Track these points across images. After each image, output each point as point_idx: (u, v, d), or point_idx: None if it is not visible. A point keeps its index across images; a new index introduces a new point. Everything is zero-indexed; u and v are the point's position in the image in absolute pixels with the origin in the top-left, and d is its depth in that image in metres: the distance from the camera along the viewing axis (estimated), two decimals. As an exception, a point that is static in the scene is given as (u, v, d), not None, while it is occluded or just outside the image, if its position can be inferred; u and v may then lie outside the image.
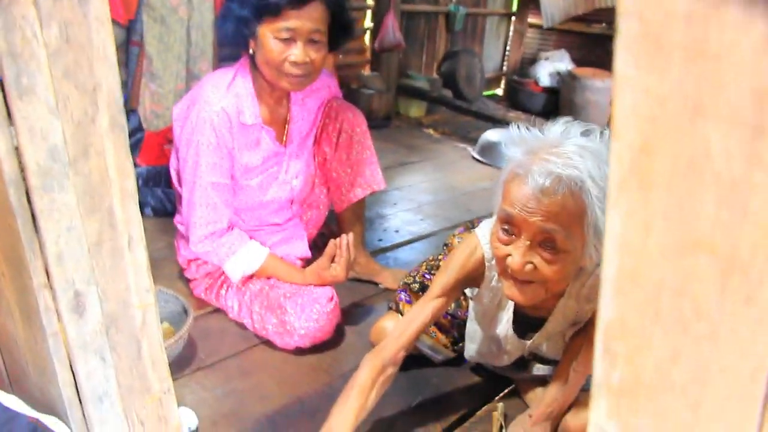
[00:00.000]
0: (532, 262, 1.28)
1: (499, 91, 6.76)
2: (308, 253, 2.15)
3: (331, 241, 1.91)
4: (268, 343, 1.92)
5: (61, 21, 0.82)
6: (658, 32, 0.36)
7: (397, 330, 1.51)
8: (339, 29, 1.89)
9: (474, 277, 1.54)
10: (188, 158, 1.84)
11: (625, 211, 0.42)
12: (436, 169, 3.98)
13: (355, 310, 2.16)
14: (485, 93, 6.27)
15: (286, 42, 1.78)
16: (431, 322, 1.53)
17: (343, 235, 1.91)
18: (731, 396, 0.42)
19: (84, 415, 1.00)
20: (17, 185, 0.84)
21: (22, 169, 0.84)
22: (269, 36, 1.78)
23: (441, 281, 1.51)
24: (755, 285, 0.38)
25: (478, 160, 4.19)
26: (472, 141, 4.55)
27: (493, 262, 1.49)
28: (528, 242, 1.27)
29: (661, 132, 0.38)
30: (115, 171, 0.93)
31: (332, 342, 1.93)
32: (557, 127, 1.29)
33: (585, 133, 1.28)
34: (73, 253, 0.90)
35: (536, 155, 1.24)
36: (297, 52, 1.79)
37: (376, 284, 2.31)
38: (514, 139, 1.32)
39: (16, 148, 0.83)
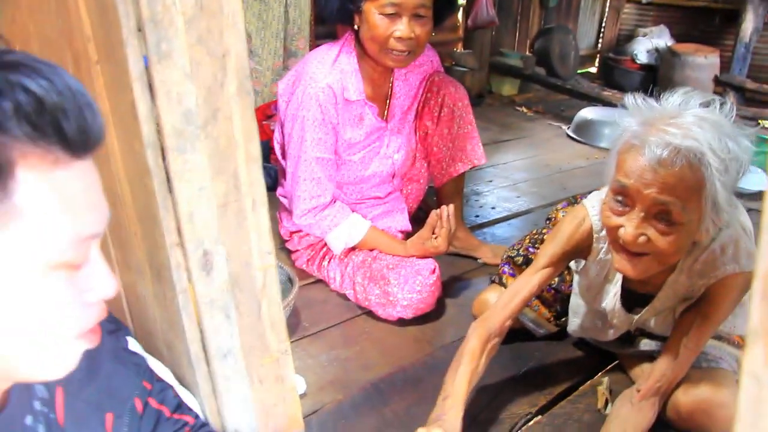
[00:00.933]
0: (645, 234, 1.25)
1: (594, 69, 6.56)
2: (409, 226, 2.18)
3: (433, 212, 1.93)
4: (369, 314, 1.97)
5: (196, -10, 0.86)
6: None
7: (502, 300, 1.51)
8: (444, 3, 1.89)
9: (581, 248, 1.52)
10: (293, 133, 1.89)
11: None
12: (530, 147, 3.92)
13: (455, 283, 2.18)
14: (579, 71, 6.10)
15: (391, 17, 1.79)
16: (537, 293, 1.54)
17: (444, 207, 1.92)
18: None
19: (209, 370, 1.06)
20: (154, 146, 0.89)
21: (158, 132, 0.89)
22: (374, 11, 1.79)
23: (547, 252, 1.51)
24: None
25: (573, 139, 4.10)
26: (566, 119, 4.46)
27: (602, 234, 1.47)
28: (642, 214, 1.24)
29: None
30: (241, 134, 0.97)
31: (433, 314, 1.96)
32: (675, 98, 1.26)
33: (705, 104, 1.24)
34: (203, 213, 0.95)
35: (653, 126, 1.22)
36: (402, 27, 1.80)
37: (476, 259, 2.31)
38: (630, 109, 1.29)
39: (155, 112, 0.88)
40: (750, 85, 5.17)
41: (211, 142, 0.94)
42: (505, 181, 3.23)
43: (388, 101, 2.06)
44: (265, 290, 1.08)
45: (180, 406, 0.99)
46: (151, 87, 0.87)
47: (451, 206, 1.94)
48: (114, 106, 0.94)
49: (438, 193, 2.30)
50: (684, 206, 1.20)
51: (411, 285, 1.86)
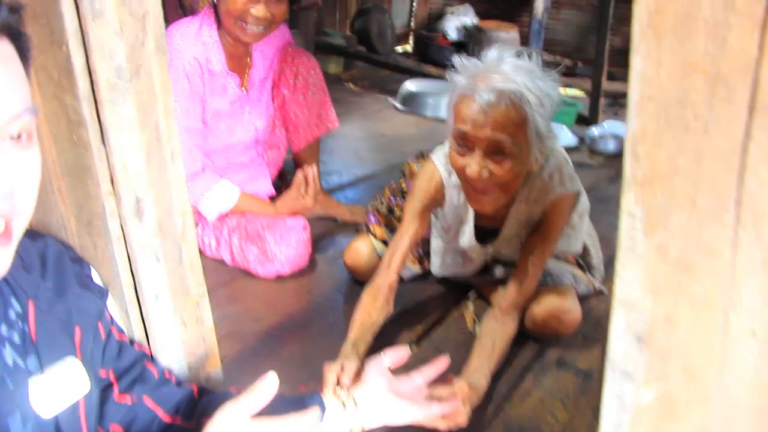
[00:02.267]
0: (487, 168, 1.49)
1: (409, 47, 6.94)
2: (272, 191, 2.30)
3: (299, 172, 2.07)
4: (248, 275, 2.07)
5: (118, -46, 0.93)
6: None
7: (384, 261, 1.73)
8: None
9: (436, 198, 1.76)
10: None
11: (643, 53, 0.60)
12: (363, 118, 4.14)
13: (321, 241, 2.33)
14: (396, 49, 6.44)
15: None
16: (412, 247, 1.76)
17: (307, 167, 2.06)
18: (718, 169, 0.62)
19: (141, 313, 1.13)
20: (89, 100, 0.96)
21: (92, 86, 0.96)
22: None
23: (410, 208, 1.74)
24: (732, 90, 0.58)
25: (400, 110, 4.38)
26: (392, 92, 4.73)
27: (452, 182, 1.71)
28: (481, 152, 1.48)
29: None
30: (160, 89, 1.06)
31: (308, 270, 2.11)
32: (493, 53, 1.51)
33: (516, 55, 1.50)
34: (133, 163, 1.03)
35: (479, 77, 1.46)
36: (260, 7, 1.90)
37: (335, 220, 2.47)
38: (458, 67, 1.52)
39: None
40: (546, 56, 5.76)
41: (137, 96, 1.02)
42: (347, 151, 3.42)
43: (247, 72, 2.15)
44: (184, 235, 1.17)
45: (134, 340, 1.07)
46: (84, 44, 0.93)
47: (314, 166, 2.09)
48: (40, 63, 0.98)
49: (295, 158, 2.44)
50: (514, 140, 1.46)
51: (287, 241, 2.00)
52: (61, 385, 0.85)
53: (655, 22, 0.58)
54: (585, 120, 4.08)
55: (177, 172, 1.12)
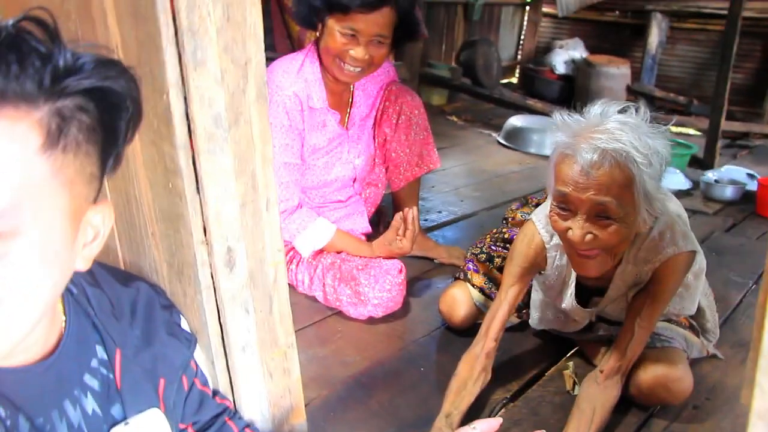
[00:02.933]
0: (591, 233, 1.39)
1: (515, 80, 6.84)
2: (369, 229, 2.27)
3: (398, 215, 2.02)
4: (339, 314, 2.04)
5: (224, 2, 0.92)
6: None
7: (483, 327, 1.65)
8: (405, 32, 1.99)
9: (537, 262, 1.67)
10: None
11: None
12: (465, 153, 4.08)
13: (417, 283, 2.27)
14: (501, 81, 6.35)
15: (350, 38, 1.89)
16: (511, 311, 1.67)
17: (408, 209, 2.01)
18: None
19: (227, 364, 1.10)
20: (186, 149, 0.94)
21: (190, 135, 0.94)
22: (335, 28, 1.88)
23: (510, 272, 1.66)
24: None
25: (503, 145, 4.29)
26: (495, 127, 4.66)
27: (552, 243, 1.61)
28: (585, 215, 1.38)
29: None
30: (259, 138, 1.03)
31: (401, 312, 2.05)
32: (596, 109, 1.41)
33: (622, 111, 1.40)
34: (227, 213, 1.01)
35: (581, 136, 1.36)
36: (359, 50, 1.90)
37: (432, 260, 2.41)
38: (559, 125, 1.43)
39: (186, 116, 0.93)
40: (658, 93, 5.52)
41: (235, 145, 0.99)
42: (447, 187, 3.36)
43: (348, 109, 2.14)
44: (276, 285, 1.13)
45: (217, 392, 1.04)
46: (185, 92, 0.92)
47: (414, 209, 2.04)
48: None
49: (395, 198, 2.40)
50: (619, 203, 1.35)
51: (381, 284, 1.95)
52: None
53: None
54: (700, 162, 3.85)
55: (271, 222, 1.09)
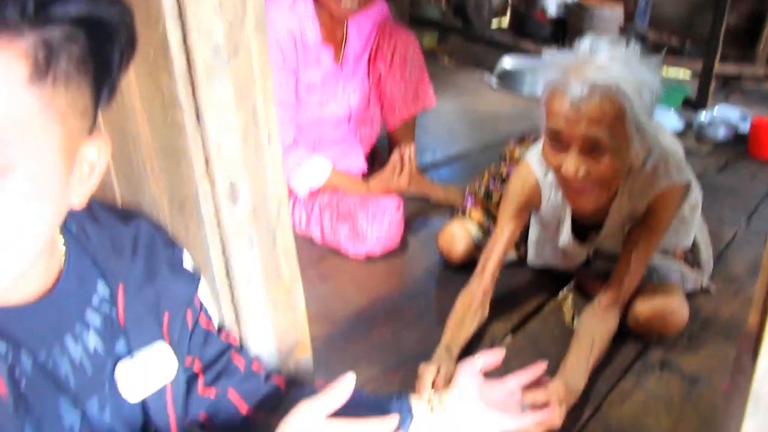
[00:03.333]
0: (584, 166, 1.39)
1: (505, 22, 6.72)
2: (365, 168, 2.26)
3: (395, 152, 2.02)
4: (338, 254, 2.04)
5: (220, -73, 0.89)
6: None
7: (479, 265, 1.67)
8: None
9: (532, 200, 1.68)
10: None
11: None
12: (458, 95, 4.04)
13: (414, 222, 2.27)
14: (492, 24, 6.25)
15: None
16: (508, 249, 1.69)
17: (405, 147, 2.01)
18: None
19: (232, 298, 1.11)
20: (185, 80, 0.92)
21: (189, 66, 0.92)
22: None
23: (504, 211, 1.67)
24: None
25: (496, 87, 4.24)
26: (487, 68, 4.59)
27: (547, 181, 1.62)
28: (577, 149, 1.38)
29: None
30: (259, 71, 1.01)
31: (400, 250, 2.06)
32: (586, 43, 1.39)
33: (611, 43, 1.38)
34: (229, 146, 0.99)
35: (570, 71, 1.35)
36: None
37: (428, 199, 2.41)
38: (547, 62, 1.42)
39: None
40: (652, 35, 5.45)
41: (235, 77, 0.98)
42: (442, 127, 3.34)
43: (343, 46, 2.10)
44: (279, 220, 1.13)
45: (222, 328, 1.04)
46: (182, 22, 0.90)
47: (412, 146, 2.03)
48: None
49: (390, 137, 2.38)
50: (611, 134, 1.35)
51: (379, 221, 1.96)
52: (150, 369, 0.84)
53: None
54: (693, 104, 3.83)
55: (273, 156, 1.08)
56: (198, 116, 0.95)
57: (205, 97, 0.94)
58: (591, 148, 1.37)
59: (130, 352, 0.83)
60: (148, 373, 0.84)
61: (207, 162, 0.99)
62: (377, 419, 0.87)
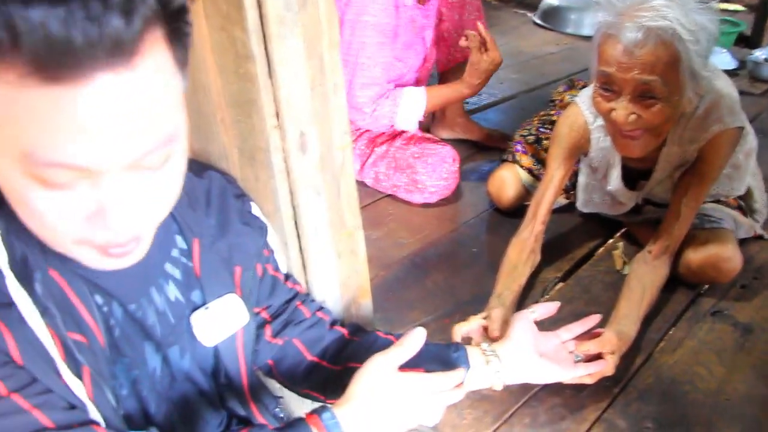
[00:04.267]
0: (635, 113, 1.37)
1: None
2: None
3: (471, 33, 1.99)
4: (390, 197, 2.08)
5: None
6: None
7: (530, 212, 1.67)
8: None
9: (580, 144, 1.67)
10: (354, 39, 1.91)
11: None
12: (502, 35, 3.94)
13: (463, 167, 2.25)
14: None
15: None
16: (558, 194, 1.69)
17: (475, 27, 2.01)
18: None
19: (301, 247, 1.14)
20: (258, 33, 0.93)
21: (261, 19, 0.93)
22: None
23: (553, 155, 1.66)
24: None
25: (539, 26, 4.15)
26: (531, 6, 4.49)
27: (596, 124, 1.60)
28: (629, 95, 1.36)
29: None
30: (326, 21, 1.01)
31: (451, 196, 2.09)
32: None
33: None
34: (298, 97, 1.01)
35: (625, 14, 1.32)
36: None
37: (476, 143, 2.41)
38: (601, 3, 1.39)
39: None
40: (706, -34, 5.25)
41: (304, 29, 0.98)
42: (487, 69, 3.29)
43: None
44: (343, 169, 1.15)
45: (289, 276, 1.08)
46: (254, -25, 0.90)
47: (479, 23, 2.04)
48: (206, -5, 0.96)
49: (441, 77, 2.37)
50: (665, 81, 1.32)
51: (438, 173, 2.00)
52: (223, 318, 0.89)
53: None
54: (747, 41, 3.70)
55: (339, 105, 1.09)
56: (270, 68, 0.97)
57: (277, 49, 0.95)
58: (643, 95, 1.35)
59: (204, 302, 0.87)
60: (220, 322, 0.89)
61: (277, 113, 1.00)
62: (446, 373, 0.92)
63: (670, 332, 1.57)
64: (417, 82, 2.27)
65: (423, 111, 2.06)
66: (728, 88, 1.63)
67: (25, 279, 0.67)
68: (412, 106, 2.03)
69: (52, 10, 0.49)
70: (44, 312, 0.67)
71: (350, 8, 1.89)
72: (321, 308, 1.12)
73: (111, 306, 0.77)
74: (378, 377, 0.86)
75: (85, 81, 0.52)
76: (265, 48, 0.95)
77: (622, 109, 1.37)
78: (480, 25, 2.02)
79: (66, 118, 0.53)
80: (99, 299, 0.75)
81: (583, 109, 1.63)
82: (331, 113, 1.08)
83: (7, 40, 0.50)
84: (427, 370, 0.92)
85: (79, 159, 0.56)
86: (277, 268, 1.05)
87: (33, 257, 0.68)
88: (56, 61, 0.50)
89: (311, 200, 1.10)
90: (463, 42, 2.01)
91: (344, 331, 1.10)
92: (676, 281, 1.68)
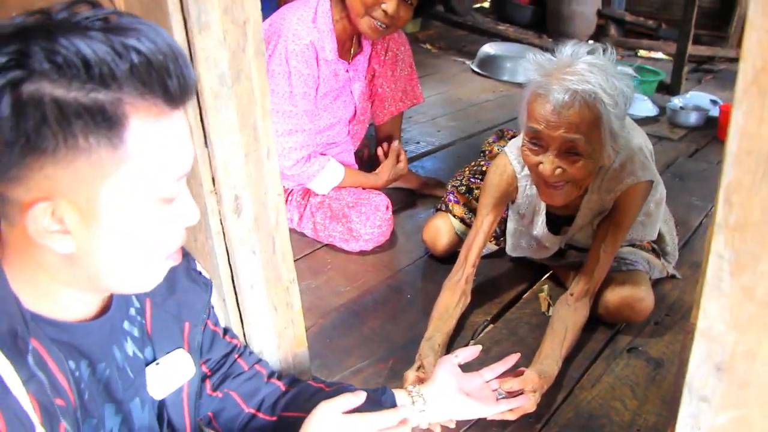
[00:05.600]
0: (560, 167, 1.50)
1: (486, 4, 6.78)
2: (355, 164, 2.36)
3: (395, 143, 2.24)
4: (328, 247, 2.16)
5: (223, -34, 0.98)
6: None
7: (461, 255, 1.79)
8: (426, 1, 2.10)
9: (509, 192, 1.80)
10: (278, 88, 1.99)
11: (746, 108, 0.60)
12: (441, 82, 4.13)
13: (400, 214, 2.39)
14: (474, 6, 6.31)
15: None
16: (487, 239, 1.81)
17: (396, 142, 2.25)
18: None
19: (238, 302, 1.21)
20: (194, 107, 1.02)
21: (197, 94, 1.01)
22: None
23: (483, 202, 1.78)
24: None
25: (477, 73, 4.33)
26: (469, 54, 4.68)
27: (523, 173, 1.73)
28: (555, 151, 1.49)
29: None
30: (259, 91, 1.11)
31: (387, 243, 2.18)
32: (567, 49, 1.50)
33: (591, 52, 1.50)
34: (233, 163, 1.09)
35: (553, 76, 1.46)
36: (391, 4, 1.96)
37: (413, 191, 2.52)
38: (532, 64, 1.52)
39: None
40: (629, 17, 5.54)
41: (238, 101, 1.07)
42: (424, 117, 3.43)
43: (352, 53, 2.22)
44: (278, 227, 1.23)
45: (228, 330, 1.15)
46: (191, 54, 0.99)
47: (396, 142, 2.19)
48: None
49: (378, 131, 2.48)
50: (588, 139, 1.46)
51: (372, 221, 2.08)
52: (172, 372, 0.96)
53: (760, 80, 0.59)
54: (667, 88, 3.95)
55: (272, 169, 1.18)
56: (206, 139, 1.06)
57: (212, 121, 1.04)
58: (568, 151, 1.49)
59: (155, 359, 0.95)
60: (169, 376, 0.96)
61: (213, 179, 1.09)
62: (389, 410, 1.03)
63: (590, 369, 1.68)
64: (353, 136, 2.38)
65: (337, 185, 2.17)
66: (643, 141, 1.78)
67: (14, 349, 0.72)
68: (331, 177, 2.14)
69: (181, 60, 0.70)
70: (28, 380, 0.72)
71: (273, 58, 1.97)
72: (259, 361, 1.20)
73: (81, 369, 0.82)
74: (326, 421, 0.96)
75: (182, 108, 0.73)
76: (201, 120, 1.04)
77: (549, 163, 1.50)
78: (396, 142, 2.28)
79: (177, 135, 0.73)
80: (72, 364, 0.80)
81: (511, 159, 1.75)
82: (264, 177, 1.17)
83: (159, 88, 0.68)
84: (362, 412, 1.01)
85: (185, 167, 0.75)
86: (216, 323, 1.12)
87: (20, 328, 0.73)
88: (181, 96, 0.71)
89: (247, 259, 1.18)
90: (381, 155, 2.28)
91: (280, 383, 1.17)
92: (597, 321, 1.80)
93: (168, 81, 0.69)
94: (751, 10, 0.56)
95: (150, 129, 0.69)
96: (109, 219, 0.70)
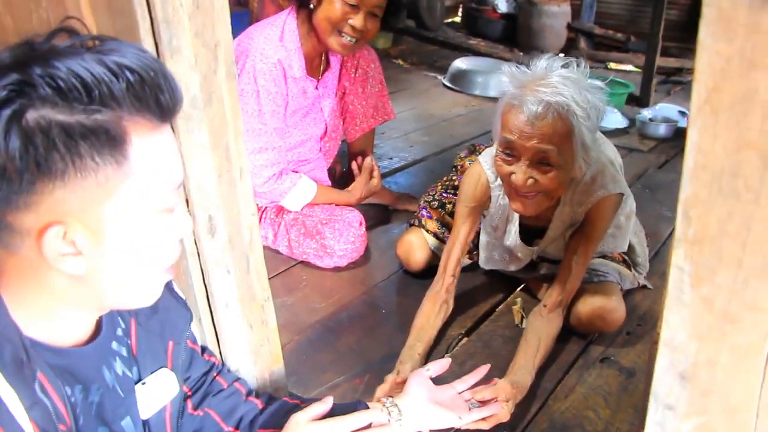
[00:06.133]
0: (532, 177, 1.54)
1: (458, 19, 6.86)
2: (328, 180, 2.38)
3: (367, 160, 2.25)
4: (303, 263, 2.17)
5: (193, -10, 0.99)
6: (729, 16, 0.57)
7: (441, 265, 1.82)
8: (393, 11, 2.11)
9: (483, 201, 1.82)
10: (247, 107, 2.01)
11: (700, 126, 0.63)
12: (413, 97, 4.16)
13: (374, 230, 2.40)
14: (445, 21, 6.39)
15: (352, 7, 1.98)
16: (465, 249, 1.83)
17: (369, 158, 2.27)
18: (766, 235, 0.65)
19: (214, 321, 1.22)
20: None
21: (170, 117, 1.02)
22: None
23: (459, 212, 1.81)
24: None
25: (449, 88, 4.38)
26: (440, 69, 4.73)
27: (496, 183, 1.76)
28: (527, 162, 1.53)
29: (726, 77, 0.59)
30: (230, 113, 1.12)
31: (361, 259, 2.19)
32: (542, 62, 1.54)
33: (565, 66, 1.54)
34: (207, 184, 1.10)
35: (527, 88, 1.50)
36: (358, 18, 1.99)
37: (386, 207, 2.55)
38: (507, 76, 1.56)
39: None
40: (598, 30, 5.64)
41: (210, 123, 1.09)
42: (397, 133, 3.46)
43: (321, 71, 2.24)
44: (251, 246, 1.24)
45: (205, 348, 1.15)
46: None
47: (370, 157, 2.23)
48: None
49: (350, 147, 2.50)
50: (559, 151, 1.50)
51: (345, 237, 2.09)
52: (157, 391, 0.97)
53: (713, 100, 0.61)
54: (637, 100, 4.02)
55: (245, 188, 1.19)
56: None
57: (184, 142, 1.05)
58: (540, 161, 1.52)
59: (140, 378, 0.95)
60: (155, 395, 0.97)
61: (187, 200, 1.09)
62: (359, 412, 1.08)
63: (563, 380, 1.70)
64: (325, 153, 2.39)
65: (309, 202, 2.18)
66: (615, 155, 1.82)
67: (19, 376, 0.72)
68: (303, 193, 2.16)
69: (168, 75, 0.73)
70: (31, 407, 0.72)
71: (242, 78, 1.99)
72: (238, 379, 1.20)
73: (75, 394, 0.83)
74: (299, 430, 0.99)
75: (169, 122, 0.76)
76: (174, 143, 1.05)
77: (521, 173, 1.53)
78: (369, 158, 2.30)
79: (171, 146, 0.77)
80: (68, 390, 0.81)
81: (485, 168, 1.78)
82: (238, 196, 1.18)
83: (154, 104, 0.71)
84: None
85: (180, 176, 0.79)
86: (194, 341, 1.13)
87: (24, 356, 0.74)
88: (172, 110, 0.75)
89: (222, 278, 1.19)
90: (355, 169, 2.30)
91: (258, 401, 1.18)
92: (570, 332, 1.83)
93: (160, 96, 0.72)
94: (701, 33, 0.59)
95: (148, 143, 0.72)
96: (115, 236, 0.73)
